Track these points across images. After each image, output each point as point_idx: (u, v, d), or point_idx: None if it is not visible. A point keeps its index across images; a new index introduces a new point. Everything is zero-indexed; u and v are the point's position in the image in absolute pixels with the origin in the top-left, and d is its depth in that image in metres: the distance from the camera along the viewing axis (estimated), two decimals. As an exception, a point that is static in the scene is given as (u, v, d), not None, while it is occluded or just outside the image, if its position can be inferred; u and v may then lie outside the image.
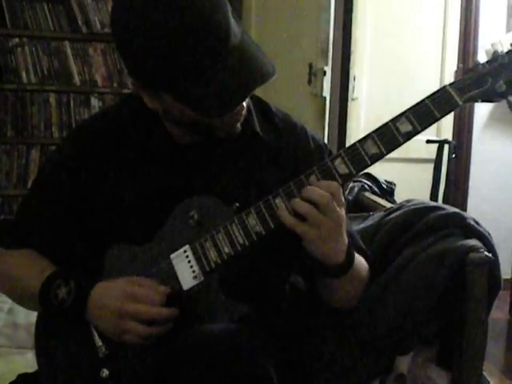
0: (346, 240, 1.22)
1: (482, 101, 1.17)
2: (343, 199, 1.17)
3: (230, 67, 1.13)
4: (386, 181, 2.70)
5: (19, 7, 3.93)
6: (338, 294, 1.34)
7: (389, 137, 1.14)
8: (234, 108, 1.18)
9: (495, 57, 1.15)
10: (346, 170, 1.16)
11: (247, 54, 1.16)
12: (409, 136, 1.14)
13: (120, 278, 1.25)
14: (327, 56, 3.27)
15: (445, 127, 3.91)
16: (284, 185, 1.17)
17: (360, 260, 1.33)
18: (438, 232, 1.52)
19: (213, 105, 1.15)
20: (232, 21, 1.15)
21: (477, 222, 1.54)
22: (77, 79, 4.03)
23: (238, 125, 1.27)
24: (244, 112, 1.26)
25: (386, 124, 1.15)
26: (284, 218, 1.16)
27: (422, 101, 1.15)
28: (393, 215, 1.65)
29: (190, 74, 1.13)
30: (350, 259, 1.24)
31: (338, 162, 1.16)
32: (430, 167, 3.43)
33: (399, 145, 1.15)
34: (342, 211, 1.17)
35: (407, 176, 3.80)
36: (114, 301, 1.21)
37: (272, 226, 1.17)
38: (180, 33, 1.10)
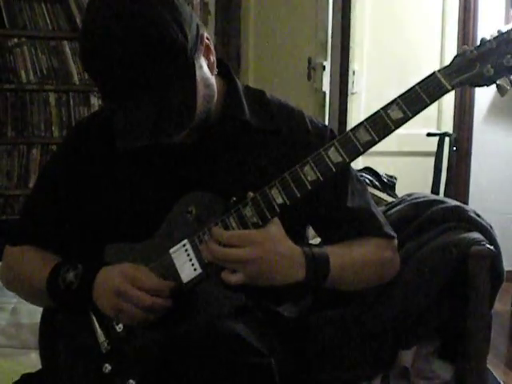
0: (301, 258, 1.21)
1: (471, 85, 1.19)
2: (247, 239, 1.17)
3: (140, 106, 1.16)
4: (386, 175, 2.70)
5: (17, 7, 3.93)
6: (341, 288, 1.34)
7: (380, 124, 1.16)
8: (138, 144, 1.19)
9: (483, 42, 1.17)
10: (340, 159, 1.18)
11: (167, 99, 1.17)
12: (400, 122, 1.16)
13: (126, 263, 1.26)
14: (326, 51, 3.28)
15: (445, 120, 3.90)
16: (280, 175, 1.19)
17: (347, 253, 1.30)
18: (439, 225, 1.52)
19: (117, 134, 1.20)
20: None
21: (478, 215, 1.54)
22: (76, 78, 4.03)
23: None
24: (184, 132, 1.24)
25: (377, 112, 1.17)
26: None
27: (412, 87, 1.17)
28: (394, 209, 1.64)
29: (103, 94, 1.21)
30: (312, 273, 1.22)
31: (331, 151, 1.18)
32: (431, 160, 3.43)
33: (391, 131, 1.17)
34: (255, 249, 1.16)
35: (408, 169, 3.80)
36: (113, 280, 1.22)
37: (269, 216, 1.19)
38: (91, 55, 1.15)
